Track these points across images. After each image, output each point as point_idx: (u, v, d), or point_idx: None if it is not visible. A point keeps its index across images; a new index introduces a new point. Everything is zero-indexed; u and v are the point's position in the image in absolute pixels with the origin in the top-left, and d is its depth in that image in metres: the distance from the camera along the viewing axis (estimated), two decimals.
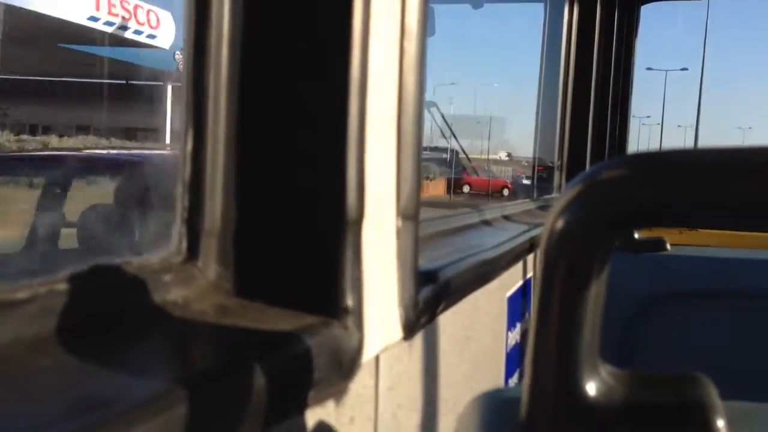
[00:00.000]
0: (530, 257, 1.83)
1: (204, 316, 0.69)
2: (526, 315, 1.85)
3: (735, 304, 2.51)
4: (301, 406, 0.68)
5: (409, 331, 0.88)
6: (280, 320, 0.70)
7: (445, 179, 30.49)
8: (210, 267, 0.75)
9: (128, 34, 19.64)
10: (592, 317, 0.43)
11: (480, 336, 1.42)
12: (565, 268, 0.43)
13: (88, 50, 19.37)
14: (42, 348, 0.55)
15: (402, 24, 0.83)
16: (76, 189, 4.55)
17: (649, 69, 57.28)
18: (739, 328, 2.46)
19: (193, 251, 0.74)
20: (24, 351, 0.54)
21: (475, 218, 1.95)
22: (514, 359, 1.73)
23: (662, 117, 63.02)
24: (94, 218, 3.83)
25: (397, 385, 0.93)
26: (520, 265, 1.75)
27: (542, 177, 3.43)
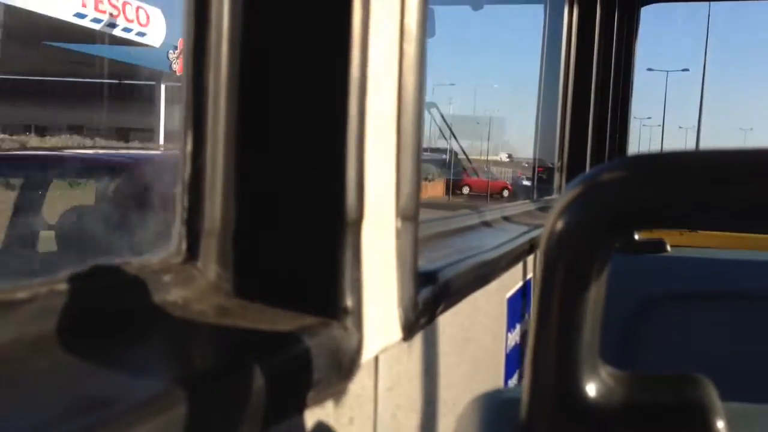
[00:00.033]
0: (530, 258, 1.83)
1: (204, 316, 0.69)
2: (526, 316, 1.85)
3: (735, 305, 2.51)
4: (301, 407, 0.68)
5: (408, 331, 0.88)
6: (279, 321, 0.70)
7: (444, 180, 30.45)
8: (210, 267, 0.75)
9: (117, 32, 19.31)
10: (591, 318, 0.43)
11: (479, 337, 1.42)
12: (564, 270, 0.43)
13: (75, 48, 19.05)
14: (42, 348, 0.55)
15: (402, 25, 0.83)
16: (57, 190, 4.46)
17: (650, 70, 57.26)
18: (739, 330, 2.46)
19: (192, 252, 0.74)
20: (24, 351, 0.54)
21: (474, 219, 1.94)
22: (513, 360, 1.73)
23: (663, 118, 63.01)
24: (74, 220, 3.73)
25: (397, 386, 0.93)
26: (519, 266, 1.75)
27: (542, 178, 3.42)
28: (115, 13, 19.32)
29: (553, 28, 3.14)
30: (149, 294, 0.67)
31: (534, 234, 1.85)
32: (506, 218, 2.21)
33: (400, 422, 0.95)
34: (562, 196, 0.43)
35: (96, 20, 18.72)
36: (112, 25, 19.23)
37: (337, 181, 0.74)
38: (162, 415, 0.49)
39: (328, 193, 0.74)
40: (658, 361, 2.41)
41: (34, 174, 4.37)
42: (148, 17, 20.44)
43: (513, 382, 1.75)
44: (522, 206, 2.69)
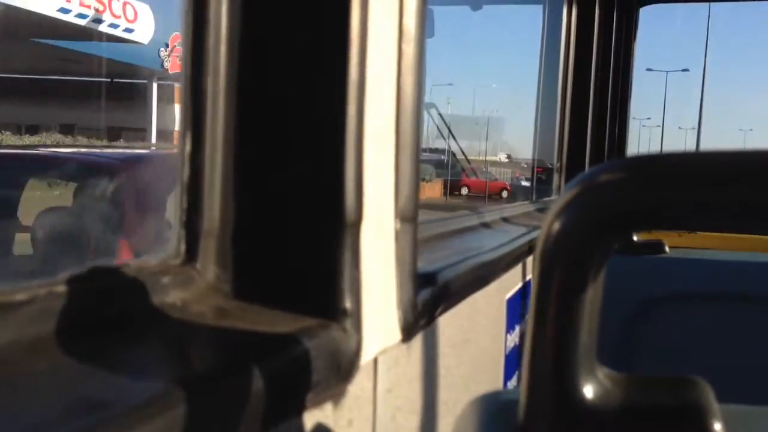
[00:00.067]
0: (529, 260, 1.83)
1: (202, 318, 0.69)
2: (525, 317, 1.85)
3: (733, 306, 2.51)
4: (300, 409, 0.68)
5: (407, 333, 0.88)
6: (278, 322, 0.70)
7: (442, 181, 30.39)
8: (208, 269, 0.75)
9: (103, 28, 18.70)
10: (589, 319, 0.43)
11: (479, 338, 1.42)
12: (562, 270, 0.43)
13: (62, 45, 18.49)
14: (41, 350, 0.55)
15: (400, 25, 0.83)
16: (33, 190, 4.34)
17: (649, 70, 57.19)
18: (737, 331, 2.46)
19: (191, 253, 0.74)
20: (23, 353, 0.54)
21: (473, 220, 1.94)
22: (512, 362, 1.73)
23: (663, 119, 62.90)
24: (50, 222, 3.60)
25: (396, 388, 0.93)
26: (519, 267, 1.75)
27: (541, 179, 3.42)
28: (101, 8, 18.63)
29: (552, 29, 3.15)
30: (148, 295, 0.67)
31: (533, 235, 1.85)
32: (505, 219, 2.21)
33: (400, 424, 0.95)
34: (560, 196, 0.43)
35: (81, 16, 18.07)
36: (98, 21, 18.56)
37: (335, 182, 0.74)
38: (160, 416, 0.49)
39: (326, 194, 0.74)
40: (656, 363, 2.42)
41: (9, 174, 4.24)
42: (135, 13, 19.84)
43: (512, 383, 1.75)
44: (521, 207, 2.69)
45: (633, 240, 2.41)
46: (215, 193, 0.75)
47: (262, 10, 0.75)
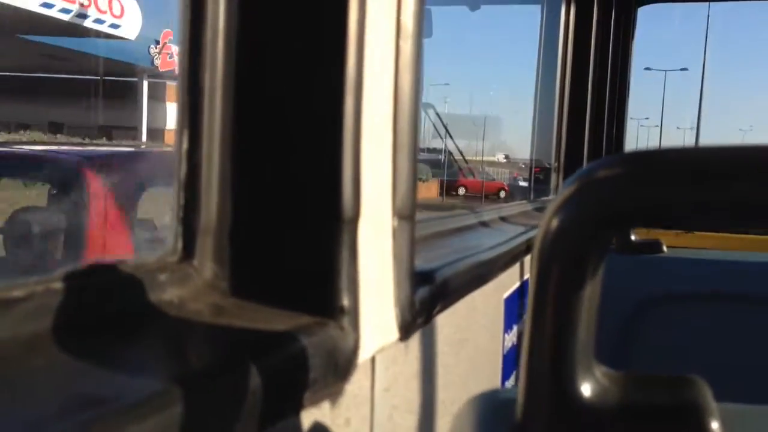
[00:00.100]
0: (527, 259, 1.83)
1: (199, 315, 0.69)
2: (523, 317, 1.85)
3: (731, 306, 2.51)
4: (297, 407, 0.68)
5: (405, 331, 0.88)
6: (275, 320, 0.70)
7: (439, 181, 30.34)
8: (206, 266, 0.75)
9: (88, 23, 18.12)
10: (587, 317, 0.43)
11: (476, 337, 1.42)
12: (560, 267, 0.43)
13: (46, 41, 17.99)
14: (37, 346, 0.55)
15: (398, 23, 0.83)
16: (8, 190, 4.23)
17: (647, 69, 57.21)
18: (734, 330, 2.47)
19: (188, 250, 0.74)
20: (19, 349, 0.53)
21: (471, 220, 1.94)
22: (510, 361, 1.73)
23: (661, 119, 62.92)
24: (23, 223, 3.47)
25: (393, 387, 0.93)
26: (517, 266, 1.75)
27: (539, 179, 3.43)
28: (85, 2, 17.94)
29: (550, 28, 3.15)
30: (145, 293, 0.66)
31: (531, 234, 1.85)
32: (503, 219, 2.21)
33: (397, 423, 0.95)
34: (558, 193, 0.43)
35: (64, 10, 17.41)
36: (83, 16, 17.92)
37: (332, 179, 0.74)
38: (157, 414, 0.49)
39: (324, 191, 0.74)
40: (653, 362, 2.42)
41: None
42: (122, 8, 19.20)
43: (510, 383, 1.75)
44: (519, 207, 2.69)
45: (631, 239, 2.41)
46: (212, 190, 0.75)
47: (259, 6, 0.75)
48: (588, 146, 3.06)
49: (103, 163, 3.79)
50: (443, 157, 27.04)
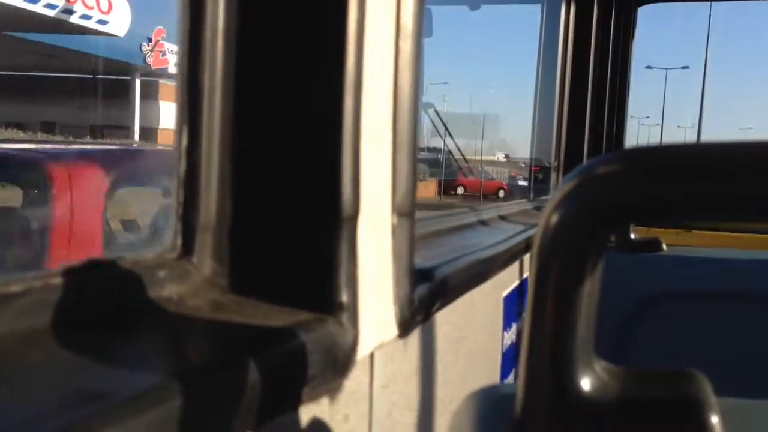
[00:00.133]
0: (526, 257, 1.83)
1: (198, 311, 0.69)
2: (522, 316, 1.85)
3: (730, 304, 2.51)
4: (295, 403, 0.68)
5: (404, 329, 0.88)
6: (274, 316, 0.70)
7: (437, 180, 30.25)
8: (205, 263, 0.75)
9: (74, 19, 17.70)
10: (586, 312, 0.43)
11: (475, 335, 1.42)
12: (559, 262, 0.43)
13: (31, 38, 17.64)
14: (36, 342, 0.55)
15: (397, 22, 0.83)
16: None
17: (648, 67, 57.04)
18: (734, 328, 2.47)
19: (188, 247, 0.74)
20: (18, 344, 0.53)
21: (471, 218, 1.95)
22: (509, 359, 1.73)
23: (662, 117, 62.82)
24: None
25: (392, 383, 0.93)
26: (516, 265, 1.75)
27: (539, 178, 3.43)
28: None
29: (550, 27, 3.15)
30: (144, 289, 0.66)
31: (530, 233, 1.85)
32: (503, 217, 2.21)
33: (396, 420, 0.95)
34: (558, 189, 0.43)
35: (50, 6, 16.95)
36: (69, 12, 17.47)
37: (332, 176, 0.74)
38: (156, 409, 0.49)
39: (323, 188, 0.74)
40: (653, 360, 2.42)
41: None
42: (110, 4, 18.73)
43: (509, 381, 1.75)
44: (518, 205, 2.69)
45: (630, 238, 2.41)
46: (212, 187, 0.75)
47: (259, 6, 0.75)
48: (588, 145, 3.06)
49: (72, 161, 3.61)
50: (442, 156, 27.00)
